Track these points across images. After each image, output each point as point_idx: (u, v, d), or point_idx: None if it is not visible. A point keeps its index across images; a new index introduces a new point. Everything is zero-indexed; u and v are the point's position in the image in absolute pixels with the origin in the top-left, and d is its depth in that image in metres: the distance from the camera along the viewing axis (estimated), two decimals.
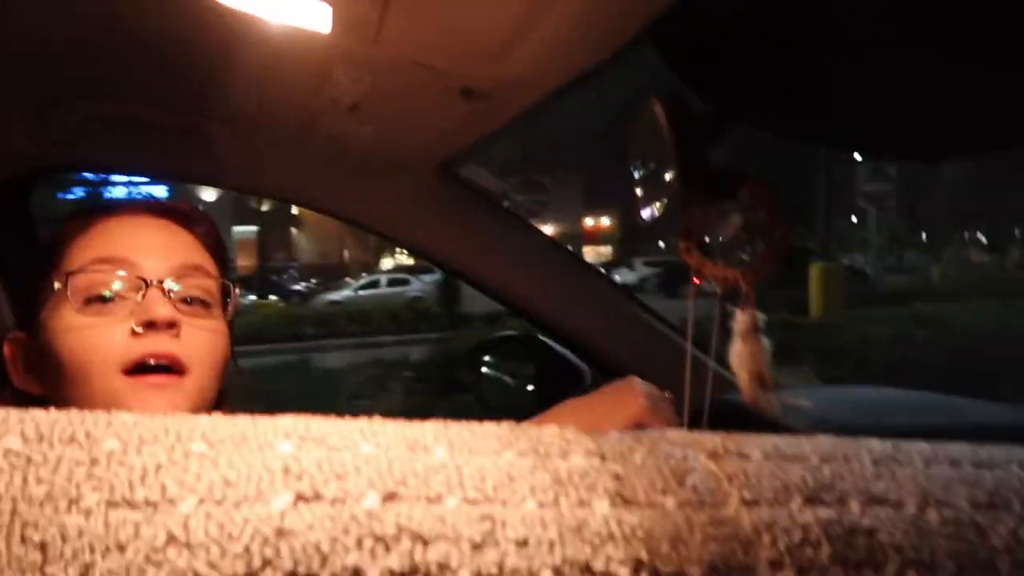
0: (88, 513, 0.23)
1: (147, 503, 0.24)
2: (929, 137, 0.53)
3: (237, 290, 0.88)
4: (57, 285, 0.76)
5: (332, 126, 1.13)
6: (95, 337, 0.75)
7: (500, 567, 0.25)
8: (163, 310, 0.76)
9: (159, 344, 0.76)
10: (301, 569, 0.23)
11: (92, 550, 0.22)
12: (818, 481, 0.31)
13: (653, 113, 0.53)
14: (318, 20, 0.70)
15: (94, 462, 0.25)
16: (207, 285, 0.84)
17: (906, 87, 0.51)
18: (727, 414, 0.92)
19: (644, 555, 0.26)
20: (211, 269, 0.86)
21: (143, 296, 0.77)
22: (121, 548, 0.22)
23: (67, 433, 0.26)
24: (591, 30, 0.71)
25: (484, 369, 1.84)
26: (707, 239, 0.55)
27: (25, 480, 0.24)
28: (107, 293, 0.77)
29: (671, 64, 0.60)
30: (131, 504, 0.24)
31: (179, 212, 0.87)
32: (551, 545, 0.26)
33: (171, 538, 0.23)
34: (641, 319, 1.63)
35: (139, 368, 0.76)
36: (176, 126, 1.19)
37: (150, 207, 0.85)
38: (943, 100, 0.52)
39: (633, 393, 0.91)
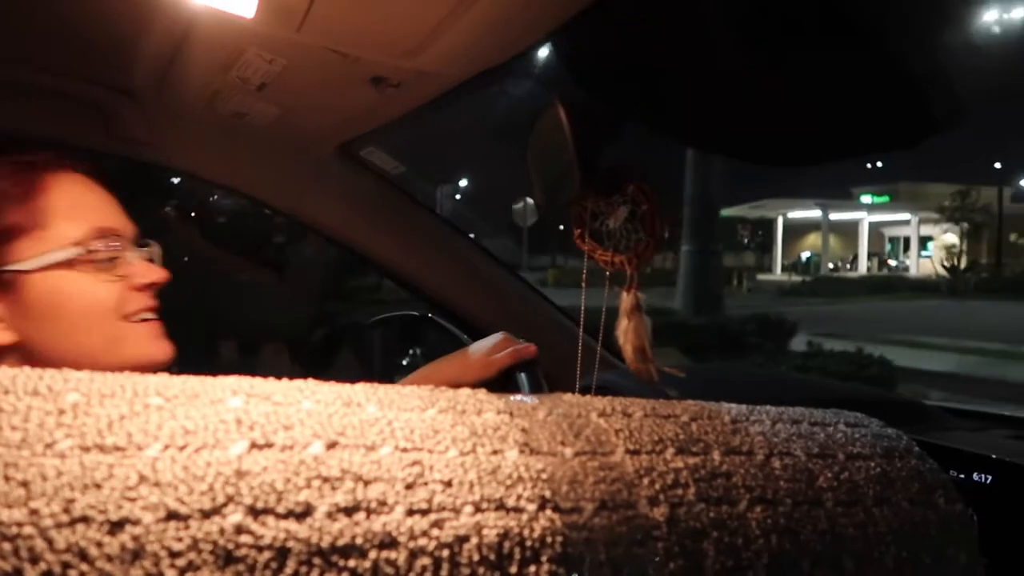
0: (63, 456, 0.26)
1: (116, 448, 0.27)
2: (802, 144, 0.60)
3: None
4: (65, 254, 0.81)
5: (237, 104, 1.11)
6: (98, 291, 0.82)
7: (429, 503, 0.29)
8: (160, 273, 0.87)
9: (151, 299, 0.87)
10: (259, 504, 0.27)
11: (71, 488, 0.25)
12: (687, 435, 0.38)
13: (554, 114, 0.58)
14: (242, 4, 0.71)
15: (61, 412, 0.27)
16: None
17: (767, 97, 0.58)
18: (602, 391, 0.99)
19: (548, 494, 0.31)
20: None
21: (131, 258, 0.86)
22: (98, 486, 0.25)
23: (30, 386, 0.28)
24: (504, 31, 0.75)
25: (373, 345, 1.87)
26: (599, 227, 0.61)
27: (0, 427, 0.26)
28: (106, 257, 0.84)
29: (569, 67, 0.66)
30: (102, 448, 0.26)
31: (101, 169, 0.91)
32: (471, 485, 0.30)
33: (142, 478, 0.26)
34: (528, 299, 1.69)
35: (138, 319, 0.85)
36: (73, 94, 1.14)
37: (87, 166, 0.88)
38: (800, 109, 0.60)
39: (492, 335, 1.13)
